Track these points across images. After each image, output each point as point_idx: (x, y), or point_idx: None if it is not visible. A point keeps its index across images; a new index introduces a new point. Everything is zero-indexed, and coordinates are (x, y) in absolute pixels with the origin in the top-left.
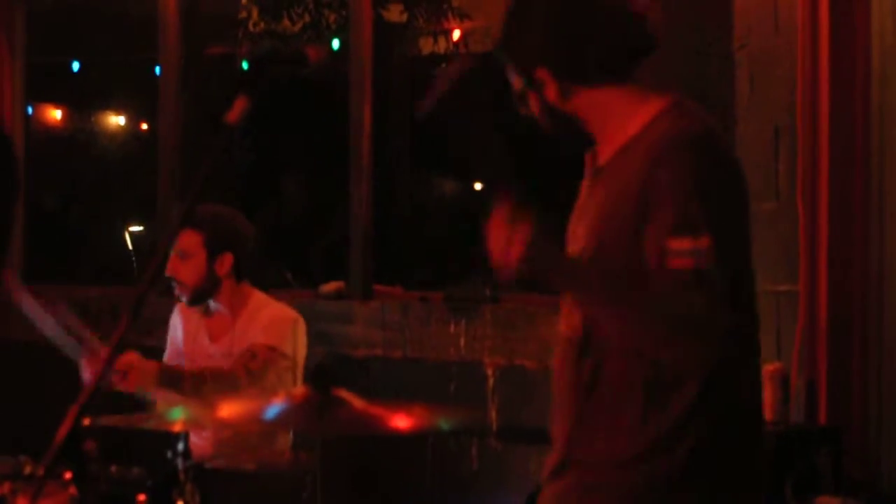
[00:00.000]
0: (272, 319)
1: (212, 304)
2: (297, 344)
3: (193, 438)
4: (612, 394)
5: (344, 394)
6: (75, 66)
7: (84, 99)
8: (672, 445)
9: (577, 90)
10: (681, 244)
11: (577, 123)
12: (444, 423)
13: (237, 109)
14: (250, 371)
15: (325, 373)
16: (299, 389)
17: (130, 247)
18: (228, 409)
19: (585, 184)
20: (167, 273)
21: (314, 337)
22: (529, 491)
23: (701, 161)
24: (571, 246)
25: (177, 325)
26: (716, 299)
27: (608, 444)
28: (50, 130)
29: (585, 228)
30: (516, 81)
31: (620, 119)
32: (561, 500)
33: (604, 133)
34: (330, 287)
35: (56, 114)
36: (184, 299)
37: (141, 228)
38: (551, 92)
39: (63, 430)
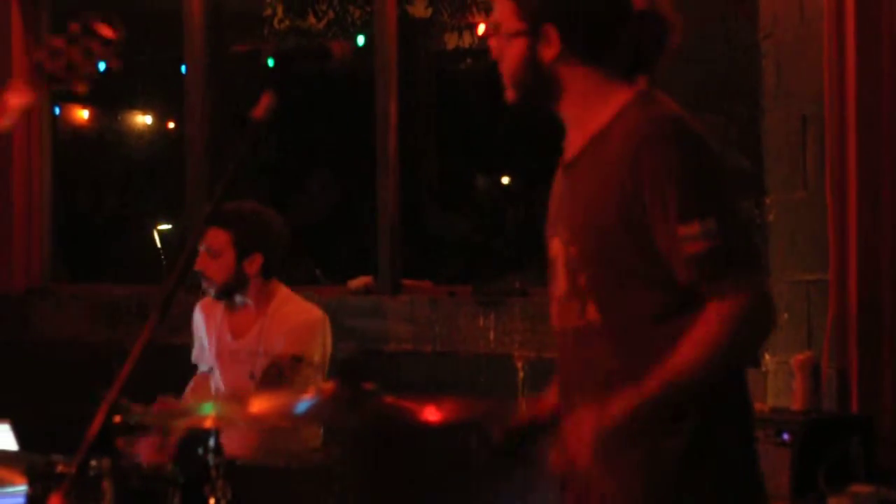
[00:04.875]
0: (297, 325)
1: (238, 298)
2: (323, 345)
3: (224, 434)
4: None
5: (373, 388)
6: (101, 65)
7: (111, 99)
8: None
9: (574, 60)
10: (690, 229)
11: (550, 91)
12: (473, 417)
13: (263, 106)
14: (277, 388)
15: (354, 367)
16: (328, 384)
17: (159, 245)
18: (259, 405)
19: (557, 178)
20: (196, 268)
21: (343, 332)
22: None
23: (684, 146)
24: (555, 242)
25: (200, 323)
26: (739, 267)
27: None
28: (77, 130)
29: (569, 226)
30: (513, 23)
31: (594, 105)
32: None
33: (576, 116)
34: (358, 282)
35: (83, 114)
36: (211, 293)
37: (169, 227)
38: (550, 50)
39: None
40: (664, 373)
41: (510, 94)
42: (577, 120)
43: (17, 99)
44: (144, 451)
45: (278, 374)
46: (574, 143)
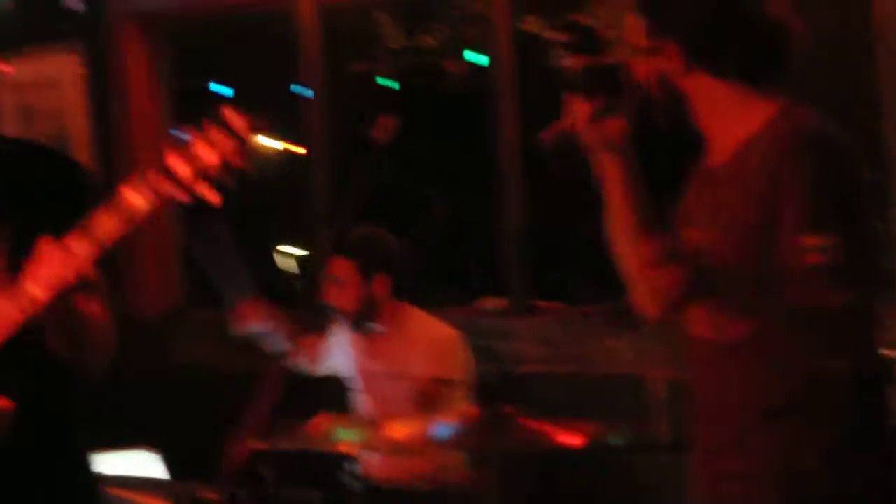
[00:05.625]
0: (435, 345)
1: (370, 325)
2: (463, 364)
3: (366, 459)
4: None
5: (514, 411)
6: (220, 89)
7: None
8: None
9: (699, 72)
10: (813, 241)
11: (684, 106)
12: (614, 439)
13: (382, 127)
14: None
15: (494, 391)
16: (470, 408)
17: (285, 269)
18: (400, 430)
19: (694, 185)
20: (324, 300)
21: (475, 354)
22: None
23: (823, 159)
24: (683, 247)
25: (338, 345)
26: (851, 292)
27: None
28: None
29: (710, 234)
30: (640, 40)
31: (732, 118)
32: None
33: (712, 129)
34: (490, 303)
35: None
36: (345, 325)
37: (293, 250)
38: (674, 65)
39: (238, 455)
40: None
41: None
42: (717, 130)
43: (138, 200)
44: None
45: (425, 402)
46: (717, 152)
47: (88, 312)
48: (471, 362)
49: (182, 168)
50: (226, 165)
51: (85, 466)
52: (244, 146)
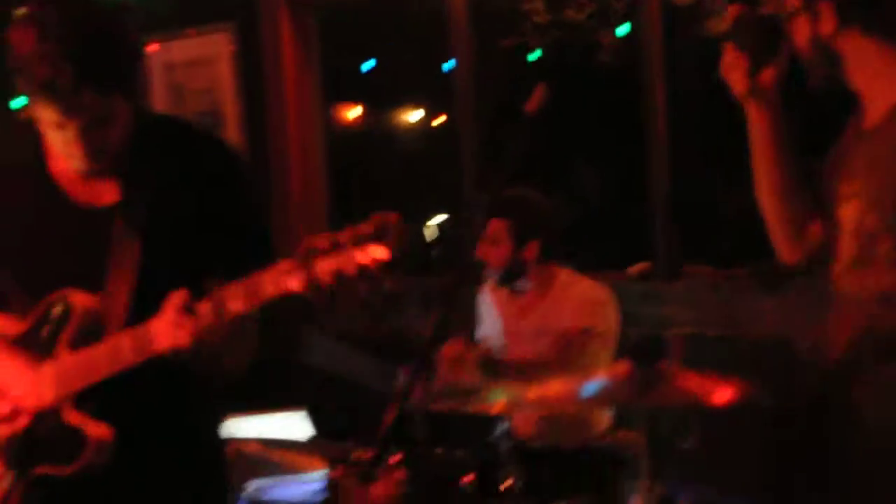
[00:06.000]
0: (583, 299)
1: (520, 283)
2: (610, 320)
3: (515, 419)
4: None
5: (667, 368)
6: (368, 65)
7: (379, 97)
8: None
9: (852, 31)
10: None
11: (839, 67)
12: (763, 398)
13: (536, 98)
14: (566, 359)
15: (647, 348)
16: (621, 365)
17: (431, 239)
18: (549, 389)
19: (847, 142)
20: (477, 256)
21: (623, 318)
22: None
23: None
24: (845, 208)
25: (486, 308)
26: None
27: None
28: (348, 129)
29: (867, 193)
30: (790, 3)
31: (886, 78)
32: None
33: (865, 89)
34: (637, 268)
35: (353, 112)
36: (493, 280)
37: (441, 221)
38: (827, 24)
39: (390, 416)
40: None
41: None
42: (872, 91)
43: (237, 306)
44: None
45: (567, 347)
46: (872, 112)
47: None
48: (618, 320)
49: (324, 271)
50: (365, 280)
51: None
52: (387, 271)
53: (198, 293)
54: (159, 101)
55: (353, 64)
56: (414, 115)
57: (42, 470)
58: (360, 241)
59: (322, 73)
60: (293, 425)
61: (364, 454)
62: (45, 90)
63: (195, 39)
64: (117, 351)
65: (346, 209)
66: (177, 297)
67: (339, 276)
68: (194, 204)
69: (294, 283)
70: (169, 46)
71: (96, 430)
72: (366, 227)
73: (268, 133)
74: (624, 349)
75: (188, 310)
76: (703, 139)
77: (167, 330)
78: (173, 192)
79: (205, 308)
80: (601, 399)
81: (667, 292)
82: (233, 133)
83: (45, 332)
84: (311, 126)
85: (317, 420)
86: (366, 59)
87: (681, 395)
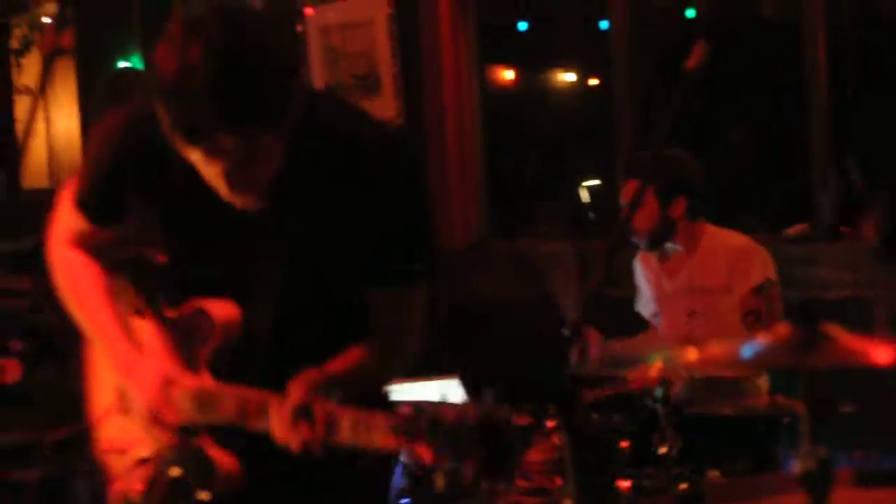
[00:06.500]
0: (734, 254)
1: (668, 246)
2: (766, 269)
3: (671, 383)
4: None
5: (831, 329)
6: (523, 26)
7: (533, 58)
8: None
9: None
10: None
11: None
12: None
13: (696, 56)
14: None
15: (811, 309)
16: (782, 327)
17: (585, 200)
18: (707, 352)
19: None
20: (625, 223)
21: (781, 280)
22: None
23: None
24: None
25: (640, 273)
26: None
27: None
28: (503, 90)
29: None
30: None
31: None
32: None
33: None
34: (795, 230)
35: (508, 74)
36: (642, 245)
37: (596, 182)
38: None
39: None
40: None
41: None
42: None
43: (345, 434)
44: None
45: (731, 314)
46: None
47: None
48: (773, 273)
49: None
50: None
51: None
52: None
53: (345, 310)
54: (315, 65)
55: (508, 24)
56: (569, 76)
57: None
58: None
59: (477, 35)
60: (447, 392)
61: (520, 420)
62: (183, 131)
63: (351, 2)
64: (239, 408)
65: (501, 172)
66: (298, 394)
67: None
68: (352, 216)
69: (401, 448)
70: (325, 10)
71: (225, 461)
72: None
73: (424, 95)
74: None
75: (305, 414)
76: (863, 94)
77: (281, 427)
78: (328, 203)
79: (320, 415)
80: (760, 362)
81: (825, 254)
82: (388, 96)
83: (187, 342)
84: (466, 88)
85: (470, 387)
86: (520, 19)
87: (841, 358)
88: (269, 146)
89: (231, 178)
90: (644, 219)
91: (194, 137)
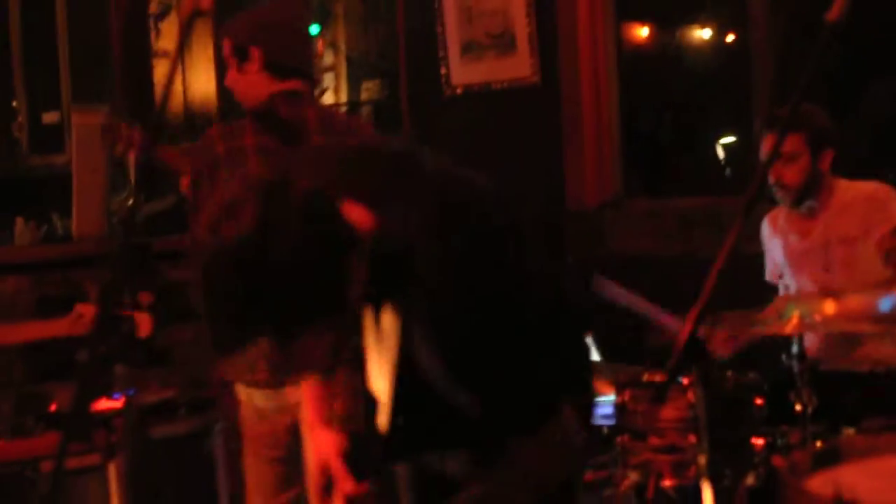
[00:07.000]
0: (868, 200)
1: (807, 202)
2: None
3: (808, 339)
4: None
5: None
6: None
7: (670, 15)
8: None
9: None
10: None
11: None
12: None
13: (837, 7)
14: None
15: None
16: None
17: (722, 157)
18: (844, 306)
19: None
20: (771, 179)
21: None
22: None
23: None
24: None
25: (767, 235)
26: None
27: None
28: (639, 48)
29: None
30: None
31: None
32: None
33: None
34: None
35: (643, 31)
36: (785, 201)
37: (733, 139)
38: None
39: (683, 336)
40: None
41: None
42: None
43: None
44: (713, 344)
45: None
46: None
47: None
48: None
49: None
50: None
51: None
52: None
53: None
54: (450, 23)
55: None
56: (705, 32)
57: None
58: None
59: None
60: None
61: (655, 376)
62: None
63: None
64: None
65: (637, 131)
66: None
67: None
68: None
69: None
70: None
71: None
72: None
73: (559, 53)
74: None
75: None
76: None
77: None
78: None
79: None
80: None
81: None
82: (523, 54)
83: None
84: (602, 45)
85: (603, 345)
86: None
87: None
88: None
89: None
90: (795, 172)
91: None
